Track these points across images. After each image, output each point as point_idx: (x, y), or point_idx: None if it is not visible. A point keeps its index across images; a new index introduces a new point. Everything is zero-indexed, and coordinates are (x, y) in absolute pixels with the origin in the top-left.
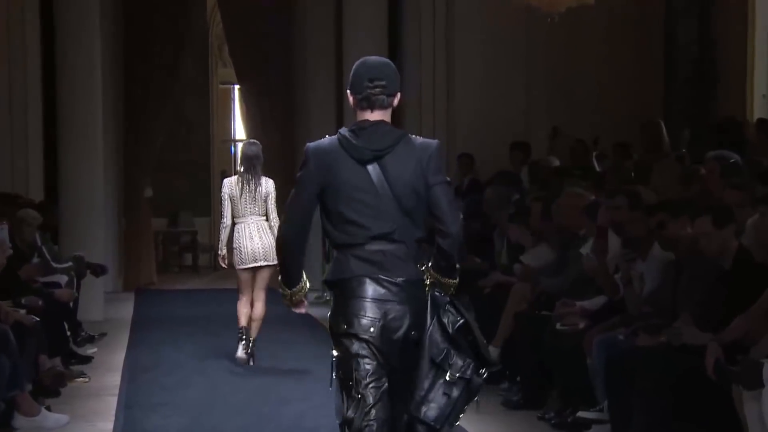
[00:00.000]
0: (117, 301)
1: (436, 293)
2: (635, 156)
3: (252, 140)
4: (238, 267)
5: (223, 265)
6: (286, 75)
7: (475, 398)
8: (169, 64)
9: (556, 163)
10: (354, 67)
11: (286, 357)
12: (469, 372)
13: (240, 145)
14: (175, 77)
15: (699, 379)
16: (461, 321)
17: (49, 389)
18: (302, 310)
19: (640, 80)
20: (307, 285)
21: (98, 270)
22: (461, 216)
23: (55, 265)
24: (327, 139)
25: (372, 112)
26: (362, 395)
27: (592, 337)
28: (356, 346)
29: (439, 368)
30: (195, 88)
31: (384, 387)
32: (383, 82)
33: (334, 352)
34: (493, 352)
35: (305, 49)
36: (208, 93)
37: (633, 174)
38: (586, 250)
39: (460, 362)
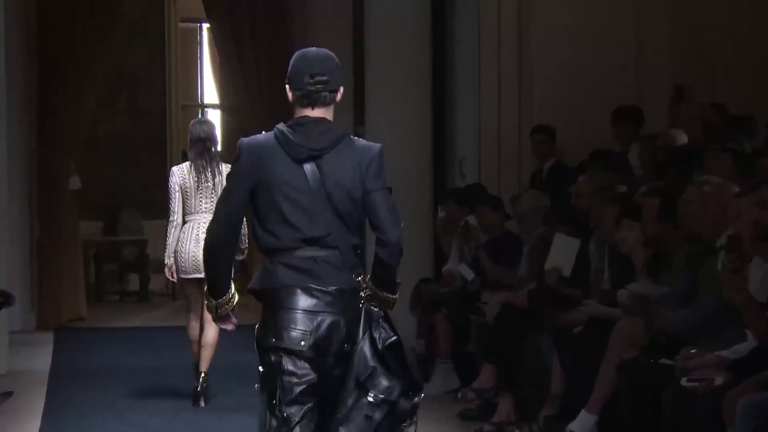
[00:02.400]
0: (28, 345)
1: (372, 306)
2: None
3: (201, 118)
4: (179, 275)
5: (171, 278)
6: (280, 8)
7: (410, 424)
8: None
9: (683, 138)
10: (293, 59)
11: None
12: (394, 395)
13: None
14: (113, 13)
15: None
16: (393, 338)
17: None
18: (229, 327)
19: None
20: (236, 297)
21: (0, 300)
22: (402, 224)
23: None
24: (263, 135)
25: (313, 109)
26: (286, 415)
27: (735, 398)
28: (284, 361)
29: (362, 387)
30: (143, 29)
31: (309, 405)
32: (324, 78)
33: (261, 368)
34: (588, 420)
35: None
36: (162, 36)
37: None
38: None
39: (385, 383)
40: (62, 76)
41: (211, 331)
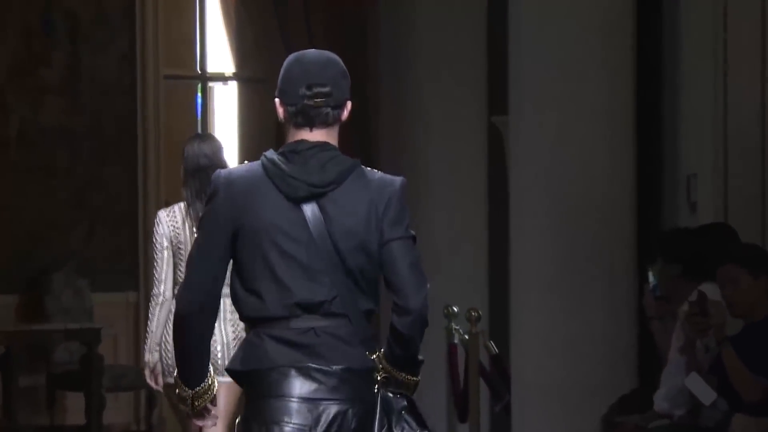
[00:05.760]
0: None
1: (390, 393)
2: None
3: (202, 133)
4: (167, 381)
5: (154, 385)
6: None
7: None
8: None
9: None
10: (285, 65)
11: None
12: None
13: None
14: None
15: None
16: None
17: None
18: (209, 423)
19: None
20: (216, 384)
21: None
22: (428, 285)
23: None
24: (245, 165)
25: (311, 130)
26: None
27: None
28: None
29: None
30: None
31: None
32: (326, 89)
33: None
34: None
35: None
36: None
37: None
38: None
39: None
40: None
41: None
